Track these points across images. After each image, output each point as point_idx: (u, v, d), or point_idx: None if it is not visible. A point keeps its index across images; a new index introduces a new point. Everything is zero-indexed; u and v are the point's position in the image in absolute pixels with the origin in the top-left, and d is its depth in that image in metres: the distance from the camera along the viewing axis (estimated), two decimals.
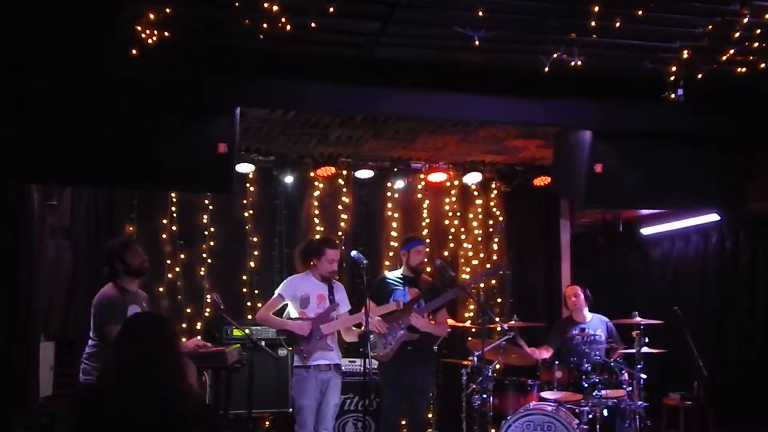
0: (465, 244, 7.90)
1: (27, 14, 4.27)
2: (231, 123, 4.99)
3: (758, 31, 4.58)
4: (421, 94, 5.17)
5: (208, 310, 7.04)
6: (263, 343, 5.96)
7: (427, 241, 6.86)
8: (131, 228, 6.92)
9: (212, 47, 4.75)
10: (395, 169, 7.42)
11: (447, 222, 7.88)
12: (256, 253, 7.30)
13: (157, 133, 4.93)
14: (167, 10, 4.18)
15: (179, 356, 3.04)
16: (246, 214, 7.31)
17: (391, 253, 7.50)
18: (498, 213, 7.98)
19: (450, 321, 6.44)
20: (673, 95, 5.06)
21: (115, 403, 2.85)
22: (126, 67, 4.49)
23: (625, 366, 6.11)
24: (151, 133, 4.91)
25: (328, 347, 5.61)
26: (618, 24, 4.48)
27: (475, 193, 7.91)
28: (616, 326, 6.70)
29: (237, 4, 4.17)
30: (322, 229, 7.43)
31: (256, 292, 7.17)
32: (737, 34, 4.61)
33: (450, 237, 7.87)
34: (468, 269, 7.82)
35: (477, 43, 4.59)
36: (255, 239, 7.32)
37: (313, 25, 4.39)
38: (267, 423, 6.83)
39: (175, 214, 7.09)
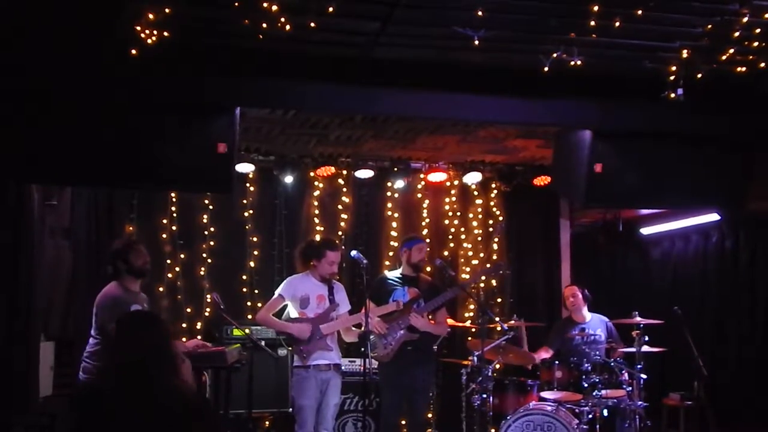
0: (465, 244, 7.90)
1: (27, 14, 4.27)
2: (231, 123, 4.99)
3: (758, 30, 4.59)
4: (421, 94, 5.17)
5: (208, 310, 7.04)
6: (263, 342, 5.96)
7: (427, 240, 6.86)
8: (131, 228, 6.92)
9: (212, 47, 4.75)
10: (395, 169, 7.42)
11: (447, 222, 7.88)
12: (256, 253, 7.30)
13: (157, 133, 4.93)
14: (167, 10, 4.18)
15: (173, 353, 3.06)
16: (246, 214, 7.31)
17: (390, 253, 7.50)
18: (498, 213, 7.98)
19: (450, 321, 6.44)
20: (672, 95, 5.06)
21: (112, 402, 2.86)
22: (126, 67, 4.49)
23: (625, 366, 6.10)
24: (151, 133, 4.92)
25: (328, 347, 5.62)
26: (618, 24, 4.48)
27: (475, 192, 7.91)
28: (616, 326, 6.70)
29: (236, 4, 4.17)
30: (322, 229, 7.43)
31: (256, 292, 7.17)
32: (737, 34, 4.61)
33: (450, 237, 7.87)
34: (468, 269, 7.82)
35: (477, 43, 4.60)
36: (255, 239, 7.32)
37: (312, 25, 4.40)
38: (267, 423, 6.83)
39: (175, 214, 7.09)
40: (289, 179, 7.20)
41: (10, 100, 4.61)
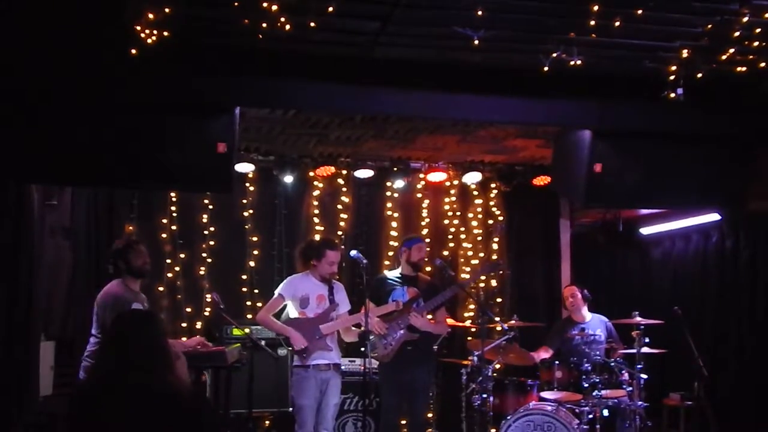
0: (465, 244, 7.90)
1: (27, 14, 4.27)
2: (231, 123, 4.99)
3: (758, 30, 4.59)
4: (421, 94, 5.17)
5: (207, 309, 7.05)
6: (263, 342, 5.96)
7: (427, 240, 6.86)
8: (131, 228, 6.92)
9: (212, 47, 4.75)
10: (395, 169, 7.43)
11: (447, 222, 7.88)
12: (255, 252, 7.30)
13: (157, 133, 4.93)
14: (167, 10, 4.18)
15: (168, 350, 3.07)
16: (246, 214, 7.31)
17: (390, 253, 7.50)
18: (498, 213, 7.98)
19: (450, 321, 6.44)
20: (672, 95, 5.06)
21: (106, 399, 2.87)
22: (126, 67, 4.49)
23: (625, 366, 6.10)
24: (151, 132, 4.92)
25: (328, 347, 5.62)
26: (618, 23, 4.48)
27: (475, 192, 7.91)
28: (616, 326, 6.70)
29: (236, 4, 4.17)
30: (322, 228, 7.44)
31: (256, 291, 7.18)
32: (737, 34, 4.61)
33: (450, 237, 7.87)
34: (468, 269, 7.82)
35: (477, 42, 4.60)
36: (255, 239, 7.32)
37: (312, 25, 4.40)
38: (267, 423, 6.83)
39: (175, 214, 7.10)
40: (289, 179, 7.21)
41: (10, 100, 4.61)
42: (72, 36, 4.36)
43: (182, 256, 7.07)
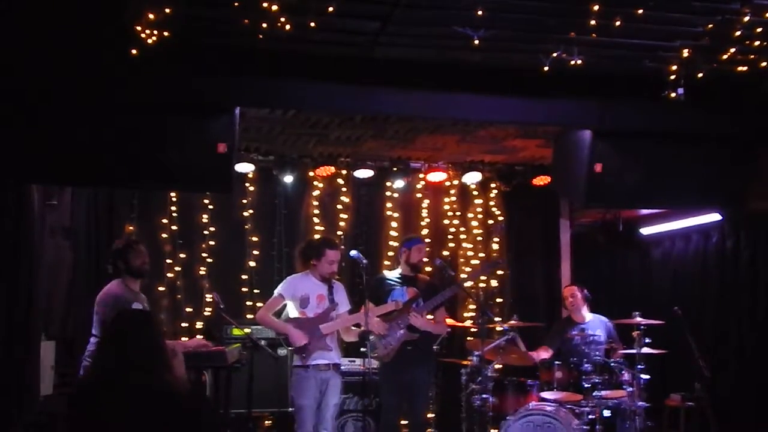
0: (464, 244, 7.89)
1: (27, 14, 4.27)
2: (231, 123, 5.00)
3: (759, 29, 4.59)
4: (421, 94, 5.17)
5: (208, 309, 7.04)
6: (263, 342, 5.95)
7: (427, 240, 6.86)
8: (131, 228, 6.92)
9: (212, 47, 4.75)
10: (395, 169, 7.42)
11: (446, 222, 7.88)
12: (255, 252, 7.30)
13: (157, 133, 4.94)
14: (167, 10, 4.19)
15: (165, 349, 3.07)
16: (246, 214, 7.31)
17: (390, 253, 7.50)
18: (498, 213, 7.98)
19: (450, 321, 6.43)
20: (673, 94, 5.06)
21: (104, 398, 2.87)
22: (126, 67, 4.49)
23: (625, 366, 6.10)
24: (151, 132, 4.92)
25: (327, 347, 5.61)
26: (618, 23, 4.48)
27: (475, 192, 7.91)
28: (617, 326, 6.69)
29: (236, 4, 4.17)
30: (321, 228, 7.43)
31: (256, 291, 7.17)
32: (738, 33, 4.61)
33: (449, 237, 7.87)
34: (468, 269, 7.81)
35: (477, 42, 4.60)
36: (255, 239, 7.32)
37: (312, 25, 4.40)
38: (267, 423, 6.83)
39: (175, 214, 7.10)
40: (288, 179, 7.21)
41: (10, 100, 4.61)
42: (72, 36, 4.37)
43: (182, 256, 7.07)
